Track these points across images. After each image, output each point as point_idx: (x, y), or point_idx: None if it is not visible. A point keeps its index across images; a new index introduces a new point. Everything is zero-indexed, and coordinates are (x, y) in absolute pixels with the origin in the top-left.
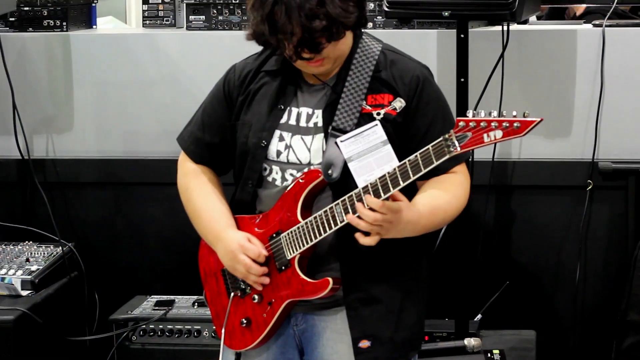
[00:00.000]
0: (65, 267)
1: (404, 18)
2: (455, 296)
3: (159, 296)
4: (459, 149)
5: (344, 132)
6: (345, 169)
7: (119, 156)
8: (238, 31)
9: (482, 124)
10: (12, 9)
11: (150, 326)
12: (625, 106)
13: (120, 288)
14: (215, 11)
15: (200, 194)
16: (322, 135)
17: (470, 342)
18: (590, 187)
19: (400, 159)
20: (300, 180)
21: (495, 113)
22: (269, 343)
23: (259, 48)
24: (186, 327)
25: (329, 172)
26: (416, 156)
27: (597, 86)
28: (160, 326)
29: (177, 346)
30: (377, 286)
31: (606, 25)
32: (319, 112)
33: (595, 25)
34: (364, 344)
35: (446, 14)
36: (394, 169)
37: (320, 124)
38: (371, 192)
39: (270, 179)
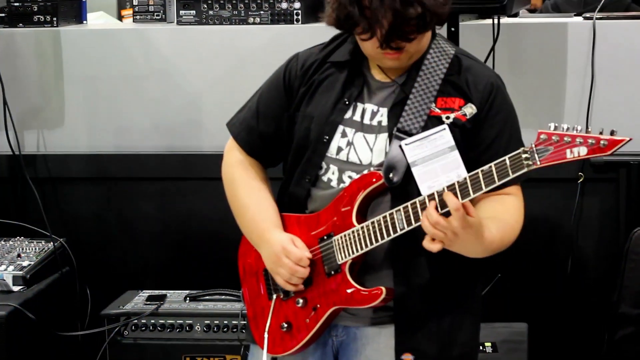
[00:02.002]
0: (56, 263)
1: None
2: None
3: (151, 291)
4: (538, 163)
5: (410, 134)
6: (407, 174)
7: (110, 151)
8: (229, 26)
9: (565, 138)
10: (1, 4)
11: (142, 321)
12: (616, 99)
13: (111, 283)
14: (205, 6)
15: (247, 189)
16: (385, 135)
17: None
18: (581, 180)
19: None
20: (359, 183)
21: (580, 127)
22: (306, 351)
23: (250, 43)
24: (178, 321)
25: (390, 175)
26: (490, 167)
27: (587, 79)
28: (152, 321)
29: (169, 341)
30: (429, 301)
31: (597, 18)
32: (384, 111)
33: (585, 18)
34: (407, 357)
35: None
36: (465, 179)
37: (384, 122)
38: (437, 201)
39: (325, 178)
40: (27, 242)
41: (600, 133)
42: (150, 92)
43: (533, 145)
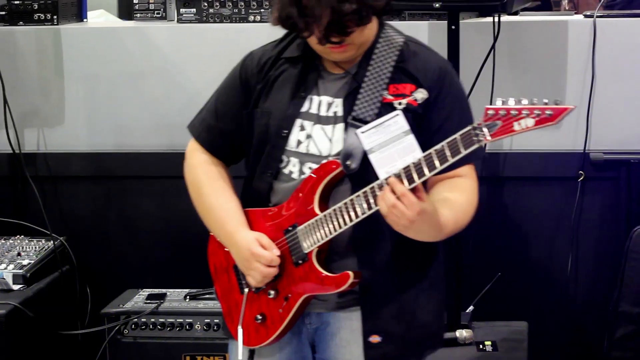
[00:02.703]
0: (56, 261)
1: (395, 10)
2: (447, 288)
3: (151, 290)
4: (489, 137)
5: (365, 122)
6: (365, 160)
7: (110, 150)
8: (229, 24)
9: (512, 112)
10: (1, 2)
11: (142, 320)
12: (617, 97)
13: (111, 282)
14: (206, 4)
15: (211, 189)
16: (342, 125)
17: (462, 333)
18: (581, 178)
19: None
20: (318, 172)
21: (525, 101)
22: (282, 341)
23: (250, 41)
24: (178, 320)
25: (348, 162)
26: (442, 145)
27: (588, 77)
28: (152, 320)
29: (169, 339)
30: (394, 282)
31: (597, 16)
32: (339, 101)
33: (586, 16)
34: (374, 338)
35: (437, 5)
36: (419, 159)
37: (340, 113)
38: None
39: (287, 171)
40: (27, 241)
41: (546, 104)
42: (151, 91)
43: (482, 121)
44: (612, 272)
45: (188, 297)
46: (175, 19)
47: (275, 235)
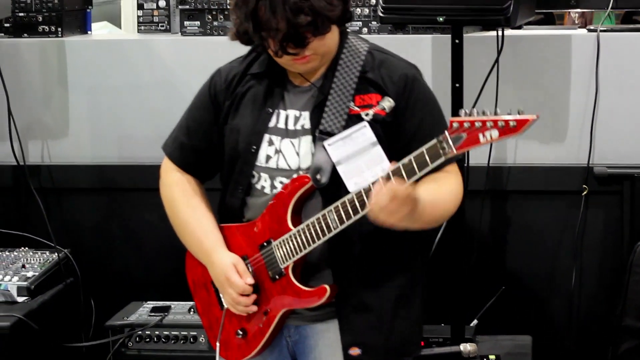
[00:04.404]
0: (61, 273)
1: (398, 23)
2: (451, 301)
3: (155, 302)
4: (454, 150)
5: (332, 134)
6: (335, 173)
7: (114, 162)
8: None
9: (476, 124)
10: (7, 15)
11: (147, 332)
12: (620, 111)
13: (116, 294)
14: (210, 17)
15: (186, 207)
16: (309, 137)
17: (466, 347)
18: (585, 192)
19: (390, 159)
20: (288, 188)
21: (489, 112)
22: (264, 354)
23: None
24: (182, 333)
25: (318, 177)
26: (410, 159)
27: (592, 91)
28: (157, 332)
29: (173, 352)
30: (369, 293)
31: (601, 30)
32: (306, 114)
33: (589, 30)
34: (354, 351)
35: (441, 19)
36: (388, 174)
37: (307, 126)
38: (364, 196)
39: (259, 186)
40: (31, 253)
41: (509, 114)
42: (155, 103)
43: (447, 134)
44: (616, 286)
45: (192, 309)
46: (179, 32)
47: (251, 250)
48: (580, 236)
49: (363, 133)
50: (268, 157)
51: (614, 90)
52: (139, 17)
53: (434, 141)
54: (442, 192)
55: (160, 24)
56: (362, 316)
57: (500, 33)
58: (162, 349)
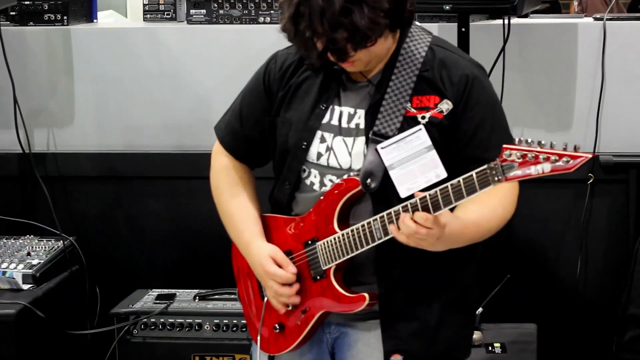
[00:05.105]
0: (66, 261)
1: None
2: None
3: (160, 290)
4: (504, 180)
5: (386, 137)
6: (386, 178)
7: (119, 150)
8: (239, 25)
9: (529, 155)
10: (12, 3)
11: (152, 320)
12: (626, 99)
13: (121, 282)
14: (216, 5)
15: (230, 195)
16: (363, 138)
17: None
18: (591, 181)
19: (446, 163)
20: (338, 189)
21: (544, 142)
22: (303, 348)
23: (260, 42)
24: (187, 320)
25: (368, 181)
26: (459, 181)
27: (597, 80)
28: (162, 320)
29: (178, 340)
30: (414, 302)
31: (607, 19)
32: (361, 113)
33: (596, 19)
34: (396, 358)
35: (447, 7)
36: (436, 192)
37: (362, 125)
38: (410, 212)
39: (308, 182)
40: (36, 241)
41: (564, 149)
42: (160, 91)
43: (498, 162)
44: (621, 275)
45: (197, 297)
46: (185, 20)
47: (296, 246)
48: (586, 225)
49: (418, 137)
50: (319, 155)
51: (620, 78)
52: (144, 5)
53: (484, 167)
54: (489, 206)
55: (166, 13)
56: (405, 323)
57: (506, 21)
58: (167, 337)
